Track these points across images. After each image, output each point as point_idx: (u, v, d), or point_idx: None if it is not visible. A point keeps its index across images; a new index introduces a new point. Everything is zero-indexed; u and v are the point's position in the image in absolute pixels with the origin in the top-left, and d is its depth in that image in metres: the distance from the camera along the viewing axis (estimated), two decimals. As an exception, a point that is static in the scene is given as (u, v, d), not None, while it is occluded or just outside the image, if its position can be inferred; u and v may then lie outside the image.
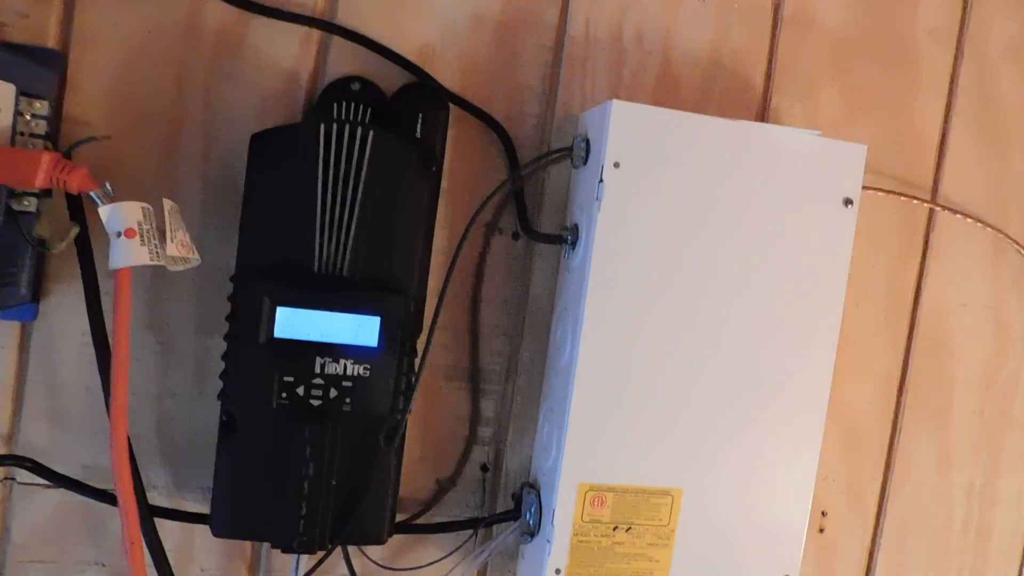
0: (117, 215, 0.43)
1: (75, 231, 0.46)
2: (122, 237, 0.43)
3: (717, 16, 0.59)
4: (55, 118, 0.49)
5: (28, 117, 0.45)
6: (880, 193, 0.62)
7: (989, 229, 0.65)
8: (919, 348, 0.65)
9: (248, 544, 0.55)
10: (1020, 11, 0.65)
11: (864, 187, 0.57)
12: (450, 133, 0.55)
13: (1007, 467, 0.67)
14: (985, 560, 0.67)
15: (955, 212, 0.64)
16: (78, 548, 0.53)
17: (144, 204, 0.44)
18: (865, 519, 0.65)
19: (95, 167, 0.47)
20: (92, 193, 0.43)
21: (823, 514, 0.64)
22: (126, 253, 0.43)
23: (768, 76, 0.61)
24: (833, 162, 0.54)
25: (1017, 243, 0.65)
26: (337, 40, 0.54)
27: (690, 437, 0.53)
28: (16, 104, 0.44)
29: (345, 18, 0.54)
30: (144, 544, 0.47)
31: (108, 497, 0.51)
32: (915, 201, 0.63)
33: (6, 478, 0.52)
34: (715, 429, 0.53)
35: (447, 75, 0.55)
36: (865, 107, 0.63)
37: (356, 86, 0.53)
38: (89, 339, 0.48)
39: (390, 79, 0.54)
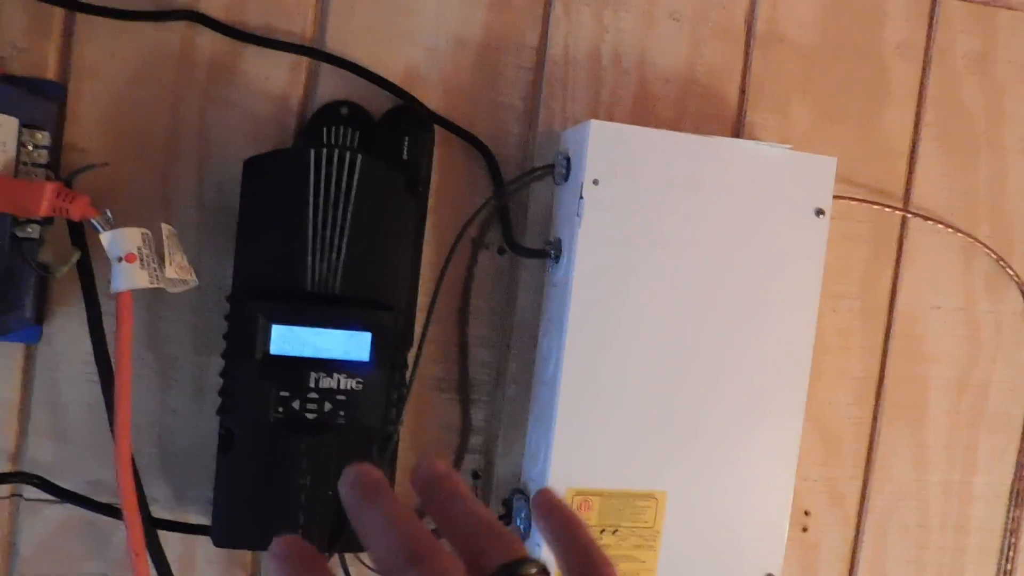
0: (118, 241, 0.45)
1: (77, 256, 0.48)
2: (123, 262, 0.45)
3: (691, 35, 0.62)
4: (56, 147, 0.51)
5: (30, 147, 0.47)
6: (853, 202, 0.64)
7: (959, 234, 0.67)
8: (895, 351, 0.67)
9: (248, 554, 0.57)
10: (983, 25, 0.67)
11: (838, 196, 0.59)
12: (436, 153, 0.57)
13: (982, 465, 0.69)
14: (963, 556, 0.69)
15: (927, 218, 0.66)
16: (83, 562, 0.54)
17: (143, 230, 0.47)
18: (847, 518, 0.67)
19: (95, 194, 0.49)
20: (93, 220, 0.45)
21: (806, 513, 0.66)
22: (127, 277, 0.45)
23: (742, 92, 0.63)
24: (805, 174, 0.56)
25: (987, 246, 0.67)
26: (325, 66, 0.56)
27: (673, 442, 0.55)
28: (19, 136, 0.46)
29: (333, 44, 0.56)
30: (148, 555, 0.49)
31: (112, 511, 0.52)
32: (888, 209, 0.65)
33: (13, 495, 0.53)
34: (697, 434, 0.55)
35: (432, 97, 0.57)
36: (837, 119, 0.65)
37: (345, 110, 0.55)
38: (91, 359, 0.50)
39: (377, 102, 0.56)
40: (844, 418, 0.66)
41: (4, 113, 0.44)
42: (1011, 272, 0.68)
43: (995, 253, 0.67)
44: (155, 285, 0.46)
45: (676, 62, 0.61)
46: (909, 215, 0.66)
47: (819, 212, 0.56)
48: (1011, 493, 0.70)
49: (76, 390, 0.53)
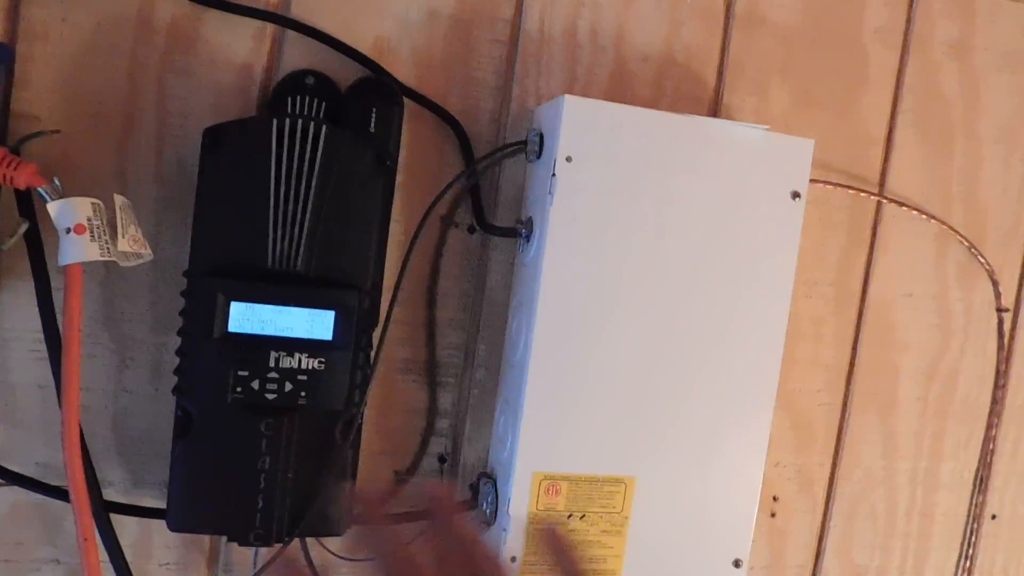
0: (66, 211, 0.43)
1: (24, 227, 0.46)
2: (71, 233, 0.43)
3: (670, 13, 0.60)
4: (2, 113, 0.48)
5: (-26, 111, 0.45)
6: (829, 186, 0.64)
7: (933, 221, 0.67)
8: (866, 337, 0.67)
9: (207, 538, 0.55)
10: (962, 12, 0.67)
11: (813, 180, 0.58)
12: (405, 127, 0.55)
13: (949, 453, 0.69)
14: (928, 542, 0.70)
15: (901, 204, 0.66)
16: (33, 546, 0.52)
17: (94, 200, 0.44)
18: (815, 504, 0.67)
19: (46, 163, 0.47)
20: (40, 189, 0.43)
21: (774, 499, 0.66)
22: (76, 249, 0.43)
23: (720, 72, 0.62)
24: (781, 156, 0.56)
25: (960, 234, 0.67)
26: (291, 34, 0.54)
27: (643, 426, 0.54)
28: (-39, 99, 0.43)
29: (299, 12, 0.54)
30: (99, 540, 0.47)
31: (63, 494, 0.50)
32: (863, 194, 0.65)
33: (-43, 476, 0.51)
34: (667, 418, 0.54)
35: (402, 69, 0.55)
36: (815, 103, 0.64)
37: (310, 80, 0.53)
38: (41, 336, 0.47)
39: (345, 73, 0.54)
40: (815, 404, 0.66)
41: (-56, 73, 0.42)
42: (982, 261, 0.68)
43: (967, 241, 0.67)
44: (106, 258, 0.44)
45: (654, 40, 0.60)
46: (884, 201, 0.66)
47: (795, 195, 0.56)
48: (975, 481, 0.71)
49: (25, 368, 0.51)
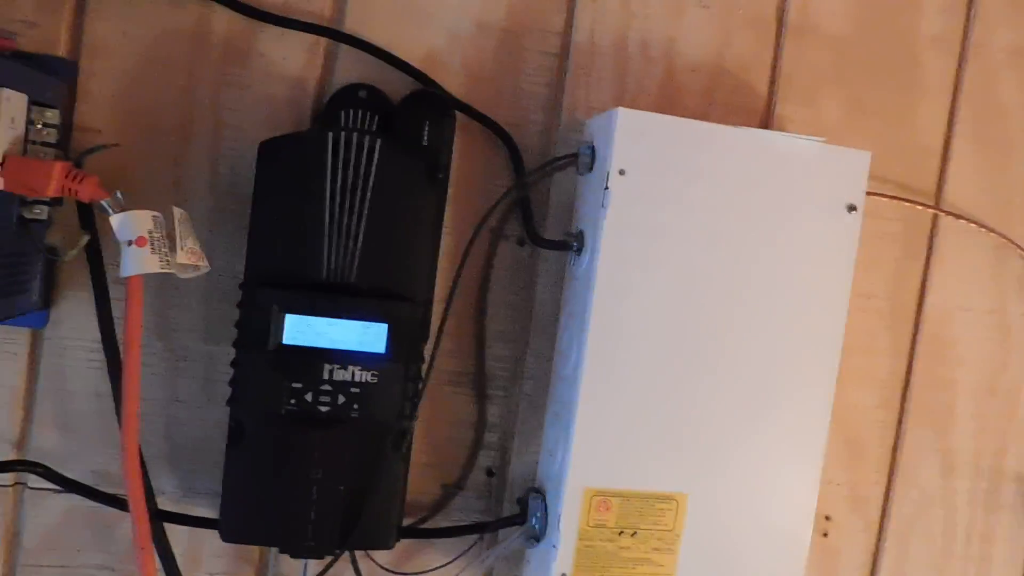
0: (128, 224, 0.43)
1: (85, 239, 0.47)
2: (133, 246, 0.43)
3: (721, 24, 0.60)
4: (65, 127, 0.49)
5: (39, 126, 0.45)
6: (884, 199, 0.62)
7: (992, 234, 0.65)
8: (922, 353, 0.65)
9: (256, 549, 0.55)
10: (1020, 18, 0.65)
11: (868, 193, 0.57)
12: (456, 140, 0.55)
13: (1010, 472, 0.67)
14: (988, 566, 0.67)
15: (958, 217, 0.64)
16: (86, 553, 0.53)
17: (154, 213, 0.45)
18: (868, 524, 0.65)
19: (105, 175, 0.47)
20: (103, 202, 0.44)
21: (827, 518, 0.64)
22: (137, 261, 0.43)
23: (772, 83, 0.61)
24: (837, 169, 0.54)
25: (1020, 247, 0.65)
26: (344, 48, 0.54)
27: (695, 442, 0.53)
28: (28, 113, 0.44)
29: (352, 26, 0.54)
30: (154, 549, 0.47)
31: (117, 502, 0.51)
32: (919, 207, 0.63)
33: (17, 483, 0.52)
34: (720, 435, 0.53)
35: (453, 82, 0.55)
36: (869, 113, 0.63)
37: (363, 94, 0.53)
38: (99, 345, 0.48)
39: (397, 86, 0.54)
40: (869, 421, 0.65)
41: (13, 89, 0.42)
42: (1044, 274, 0.66)
43: (1028, 254, 0.65)
44: (165, 270, 0.44)
45: (705, 51, 0.59)
46: (941, 213, 0.64)
47: (851, 208, 0.55)
48: (1037, 502, 0.68)
49: (83, 377, 0.52)
